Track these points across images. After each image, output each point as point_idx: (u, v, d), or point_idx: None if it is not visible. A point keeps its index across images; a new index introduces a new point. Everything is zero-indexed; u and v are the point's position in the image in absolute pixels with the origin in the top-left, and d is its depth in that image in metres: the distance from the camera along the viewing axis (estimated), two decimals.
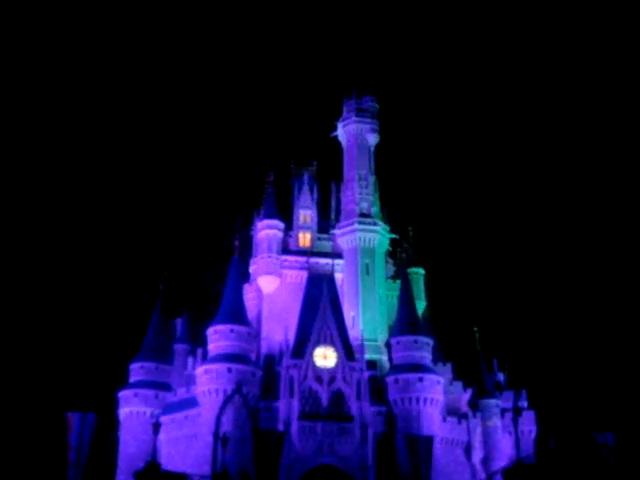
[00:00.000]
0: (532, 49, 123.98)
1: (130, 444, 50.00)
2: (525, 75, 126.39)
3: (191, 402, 48.77)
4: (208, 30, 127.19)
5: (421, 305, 59.44)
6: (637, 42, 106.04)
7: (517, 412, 48.57)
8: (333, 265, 57.71)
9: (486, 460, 52.09)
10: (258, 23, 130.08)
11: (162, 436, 47.14)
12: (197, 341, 53.66)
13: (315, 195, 62.22)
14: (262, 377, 48.87)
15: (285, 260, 57.65)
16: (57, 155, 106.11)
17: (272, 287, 56.57)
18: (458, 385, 54.35)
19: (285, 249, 58.60)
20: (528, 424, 55.93)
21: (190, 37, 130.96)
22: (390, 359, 52.10)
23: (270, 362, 51.65)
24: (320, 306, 50.57)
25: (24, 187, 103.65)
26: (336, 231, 60.03)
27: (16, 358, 75.19)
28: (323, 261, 58.12)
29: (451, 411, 51.89)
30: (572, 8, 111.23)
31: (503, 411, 53.78)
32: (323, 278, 54.00)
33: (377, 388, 49.46)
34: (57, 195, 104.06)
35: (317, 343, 49.07)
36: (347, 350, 49.47)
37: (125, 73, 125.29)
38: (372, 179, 62.23)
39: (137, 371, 52.44)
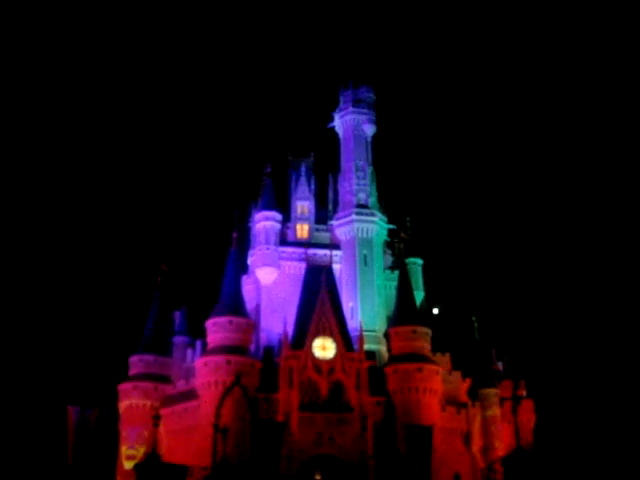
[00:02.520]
0: (530, 39, 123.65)
1: (130, 437, 50.08)
2: (522, 64, 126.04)
3: (191, 394, 48.78)
4: (204, 22, 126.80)
5: (419, 295, 59.46)
6: (637, 42, 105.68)
7: (516, 401, 48.71)
8: (331, 256, 57.79)
9: (485, 449, 52.31)
10: (254, 15, 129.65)
11: (162, 428, 47.19)
12: (196, 333, 53.75)
13: (312, 186, 62.15)
14: (261, 368, 48.84)
15: (283, 251, 57.71)
16: (55, 148, 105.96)
17: (270, 278, 56.63)
18: (457, 375, 54.28)
19: (283, 240, 58.67)
20: (527, 413, 56.20)
21: (187, 29, 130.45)
22: (389, 349, 52.16)
23: (269, 353, 51.71)
24: (319, 297, 50.61)
25: (22, 180, 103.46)
26: (334, 222, 60.05)
27: (16, 353, 75.24)
28: (321, 252, 58.22)
29: (450, 401, 51.90)
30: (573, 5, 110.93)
31: (502, 400, 54.00)
32: (321, 269, 54.02)
33: (376, 378, 49.41)
34: (55, 189, 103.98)
35: (316, 334, 49.12)
36: (346, 341, 49.55)
37: (123, 65, 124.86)
38: (369, 170, 62.15)
39: (136, 364, 52.41)
